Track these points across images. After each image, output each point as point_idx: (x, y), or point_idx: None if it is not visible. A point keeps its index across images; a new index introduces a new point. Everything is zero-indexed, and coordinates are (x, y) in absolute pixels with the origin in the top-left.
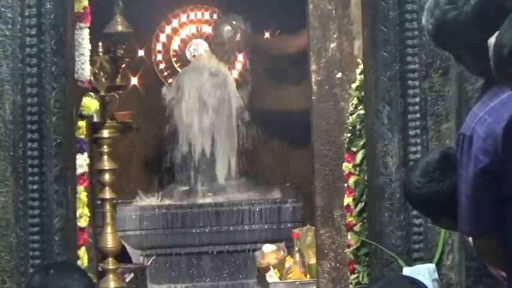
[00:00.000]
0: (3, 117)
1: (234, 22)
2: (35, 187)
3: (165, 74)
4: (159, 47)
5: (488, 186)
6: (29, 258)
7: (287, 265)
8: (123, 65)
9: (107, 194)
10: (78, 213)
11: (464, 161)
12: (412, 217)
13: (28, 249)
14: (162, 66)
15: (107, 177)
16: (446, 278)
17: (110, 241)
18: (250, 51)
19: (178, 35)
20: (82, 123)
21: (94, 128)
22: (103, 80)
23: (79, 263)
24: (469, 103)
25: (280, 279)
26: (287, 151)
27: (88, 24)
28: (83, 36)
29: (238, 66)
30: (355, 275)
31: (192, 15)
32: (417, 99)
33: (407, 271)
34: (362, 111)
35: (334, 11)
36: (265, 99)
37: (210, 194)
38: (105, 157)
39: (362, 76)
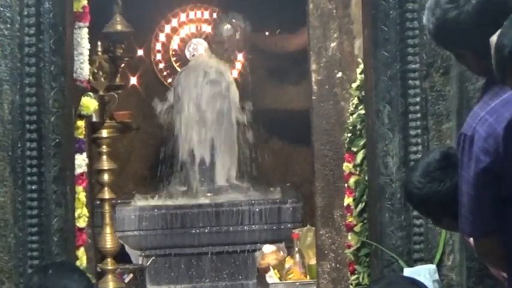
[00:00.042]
0: (1, 117)
1: (233, 21)
2: (33, 187)
3: (165, 73)
4: (158, 46)
5: (489, 186)
6: (27, 258)
7: (287, 266)
8: (123, 65)
9: (106, 194)
10: (77, 213)
11: (465, 161)
12: (412, 217)
13: (27, 250)
14: (161, 65)
15: (106, 177)
16: (447, 278)
17: (108, 241)
18: (250, 50)
19: (178, 34)
20: (81, 123)
21: (93, 128)
22: (102, 79)
23: (78, 263)
24: (470, 103)
25: (280, 280)
26: (287, 151)
27: (87, 24)
28: (82, 36)
29: (238, 65)
30: (356, 276)
31: (191, 15)
32: (418, 99)
33: (407, 272)
34: (362, 111)
35: (334, 10)
36: (265, 98)
37: (209, 194)
38: (104, 157)
39: (362, 76)
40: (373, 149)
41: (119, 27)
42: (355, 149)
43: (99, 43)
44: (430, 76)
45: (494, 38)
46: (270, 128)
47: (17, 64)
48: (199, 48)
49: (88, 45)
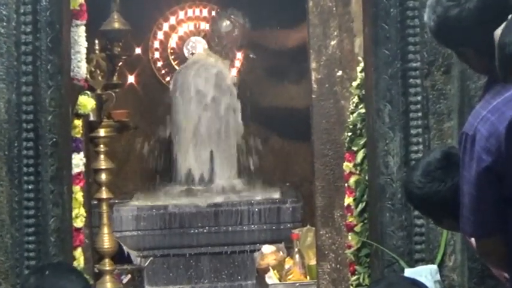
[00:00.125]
0: None
1: (232, 17)
2: (30, 187)
3: (163, 72)
4: (156, 44)
5: (491, 186)
6: (24, 259)
7: (287, 266)
8: (120, 63)
9: (104, 194)
10: (74, 213)
11: (467, 161)
12: (413, 217)
13: (23, 250)
14: (159, 64)
15: (103, 176)
16: (449, 279)
17: (106, 242)
18: (249, 47)
19: (176, 32)
20: (78, 122)
21: (90, 127)
22: (99, 78)
23: (75, 264)
24: (471, 101)
25: (280, 281)
26: (287, 150)
27: (84, 22)
28: (79, 34)
29: (237, 63)
30: (356, 276)
31: (190, 12)
32: (419, 98)
33: (408, 272)
34: (363, 110)
35: (334, 8)
36: (265, 97)
37: (208, 194)
38: (102, 156)
39: (363, 74)
40: (374, 148)
41: (116, 25)
42: (355, 148)
43: (96, 41)
44: (431, 74)
45: (498, 32)
46: (269, 127)
47: (14, 62)
48: (197, 47)
49: (85, 44)
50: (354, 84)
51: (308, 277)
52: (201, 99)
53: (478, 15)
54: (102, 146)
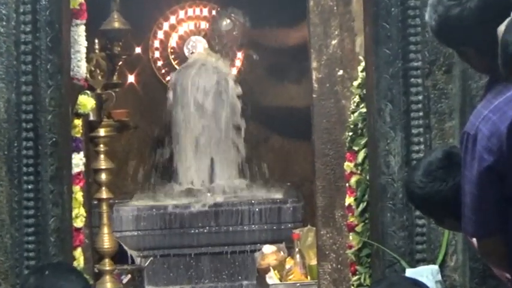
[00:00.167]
0: None
1: (233, 15)
2: (30, 187)
3: (163, 71)
4: (156, 44)
5: (493, 185)
6: (23, 259)
7: (287, 266)
8: (120, 63)
9: (104, 193)
10: (74, 213)
11: (469, 160)
12: (415, 217)
13: (23, 250)
14: (159, 63)
15: (103, 176)
16: (450, 279)
17: (106, 242)
18: (249, 46)
19: (177, 31)
20: (78, 122)
21: (90, 127)
22: (99, 77)
23: (75, 264)
24: (473, 101)
25: (281, 281)
26: (287, 150)
27: (84, 21)
28: (79, 33)
29: (238, 62)
30: (357, 277)
31: (190, 12)
32: (420, 97)
33: (410, 272)
34: (364, 110)
35: (335, 8)
36: (265, 96)
37: (209, 194)
38: (102, 156)
39: (364, 74)
40: (375, 148)
41: (116, 24)
42: (356, 148)
43: (96, 41)
44: (432, 74)
45: (501, 28)
46: (270, 127)
47: (13, 62)
48: (198, 46)
49: (85, 43)
50: (355, 83)
51: (309, 277)
52: (200, 99)
53: (480, 14)
54: (102, 145)
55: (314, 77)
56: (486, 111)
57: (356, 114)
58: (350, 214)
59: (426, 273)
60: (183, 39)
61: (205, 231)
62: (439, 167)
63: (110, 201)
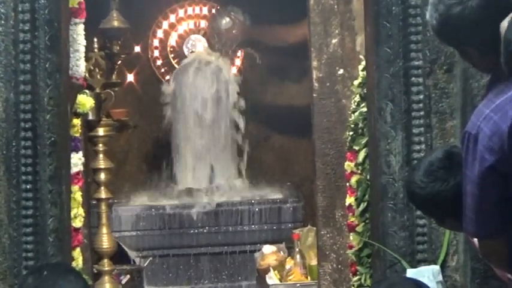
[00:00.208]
0: None
1: (232, 14)
2: (28, 187)
3: (162, 70)
4: (156, 43)
5: (494, 185)
6: (22, 259)
7: (287, 267)
8: (119, 62)
9: (103, 193)
10: (72, 213)
11: (470, 160)
12: (415, 217)
13: (21, 251)
14: (159, 62)
15: (102, 176)
16: (451, 279)
17: (105, 242)
18: (249, 45)
19: (176, 30)
20: (77, 121)
21: (89, 126)
22: (98, 76)
23: (74, 264)
24: (474, 100)
25: (281, 281)
26: (287, 149)
27: (83, 20)
28: (78, 32)
29: (238, 61)
30: (357, 277)
31: (190, 10)
32: (421, 97)
33: (411, 273)
34: (364, 109)
35: (335, 6)
36: (265, 95)
37: (208, 194)
38: (101, 156)
39: (364, 73)
40: (376, 148)
41: (115, 23)
42: (357, 148)
43: (95, 40)
44: (433, 73)
45: (504, 24)
46: (270, 126)
47: (12, 61)
48: (197, 45)
49: (84, 42)
50: (356, 82)
51: (309, 278)
52: (200, 98)
53: (481, 13)
54: (101, 145)
55: (314, 76)
56: (487, 111)
57: (357, 113)
58: (350, 214)
59: (427, 273)
60: (182, 38)
61: (204, 231)
62: (439, 166)
63: (109, 201)
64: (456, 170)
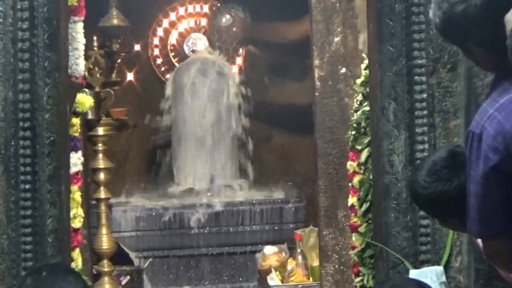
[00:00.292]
0: None
1: (232, 11)
2: (27, 187)
3: (163, 69)
4: (156, 41)
5: (498, 185)
6: (20, 260)
7: (289, 267)
8: (119, 60)
9: (102, 193)
10: (72, 213)
11: (474, 160)
12: (419, 218)
13: (20, 251)
14: (159, 61)
15: (102, 176)
16: (455, 280)
17: (105, 242)
18: (250, 42)
19: (176, 28)
20: (76, 121)
21: (88, 126)
22: (98, 75)
23: (73, 265)
24: (478, 99)
25: (282, 282)
26: (289, 149)
27: (82, 18)
28: (77, 30)
29: (239, 60)
30: (360, 278)
31: (190, 8)
32: (424, 96)
33: (414, 274)
34: (367, 108)
35: (338, 4)
36: (266, 94)
37: (209, 194)
38: (100, 155)
39: (367, 71)
40: (378, 147)
41: (115, 21)
42: (359, 147)
43: (94, 38)
44: (436, 72)
45: (509, 17)
46: (271, 125)
47: (10, 59)
48: (198, 43)
49: (83, 40)
50: (358, 81)
51: (311, 278)
52: (201, 97)
53: (484, 11)
54: (100, 144)
55: (316, 75)
56: (491, 110)
57: (359, 112)
58: (353, 214)
59: (430, 274)
60: (183, 37)
61: (205, 231)
62: (443, 166)
63: (109, 201)
64: (460, 169)
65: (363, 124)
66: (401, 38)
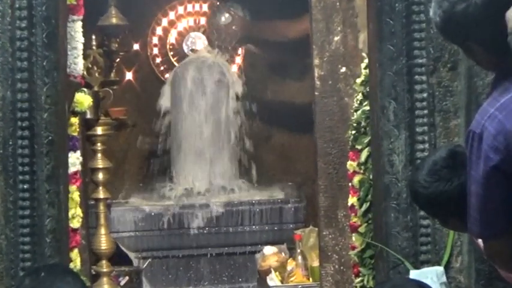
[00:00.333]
0: None
1: (232, 9)
2: (25, 186)
3: (162, 68)
4: (155, 40)
5: (499, 185)
6: (19, 260)
7: (289, 268)
8: (118, 59)
9: (101, 193)
10: (70, 213)
11: (474, 160)
12: (419, 218)
13: (18, 252)
14: (158, 60)
15: (100, 176)
16: (455, 281)
17: (103, 243)
18: (249, 41)
19: (176, 27)
20: (75, 120)
21: (87, 125)
22: (96, 74)
23: (71, 265)
24: (478, 99)
25: (282, 283)
26: (289, 148)
27: (81, 17)
28: (76, 29)
29: (238, 59)
30: (360, 279)
31: (189, 7)
32: (425, 95)
33: (414, 274)
34: (367, 108)
35: (338, 3)
36: (266, 93)
37: (208, 194)
38: (99, 155)
39: (367, 71)
40: (378, 147)
41: (114, 20)
42: (359, 147)
43: (93, 37)
44: (437, 71)
45: (511, 14)
46: (271, 125)
47: (8, 59)
48: (197, 42)
49: (82, 39)
50: (358, 81)
51: (311, 279)
52: (200, 97)
53: (485, 10)
54: (99, 144)
55: (316, 74)
56: (492, 109)
57: (359, 112)
58: (353, 214)
59: (431, 274)
60: (182, 36)
61: (204, 232)
62: (443, 166)
63: (108, 201)
64: (460, 169)
65: (363, 124)
66: (401, 37)
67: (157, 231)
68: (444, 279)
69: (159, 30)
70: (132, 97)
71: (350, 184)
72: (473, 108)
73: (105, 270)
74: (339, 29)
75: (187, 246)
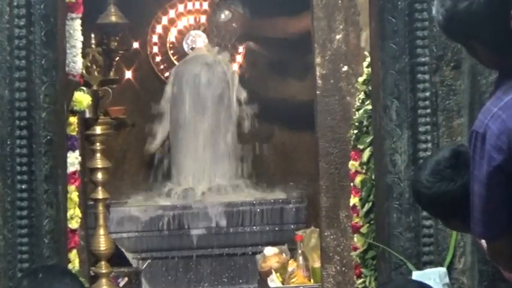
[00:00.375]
0: None
1: (232, 7)
2: (23, 187)
3: (162, 67)
4: (155, 38)
5: (502, 185)
6: (17, 261)
7: (290, 269)
8: (117, 58)
9: (100, 194)
10: (69, 214)
11: (477, 160)
12: (421, 218)
13: (16, 252)
14: (158, 59)
15: (99, 176)
16: (458, 282)
17: (102, 243)
18: (249, 38)
19: (176, 26)
20: (73, 119)
21: (86, 124)
22: (96, 73)
23: (70, 266)
24: (482, 98)
25: (283, 284)
26: (290, 148)
27: (80, 15)
28: (75, 28)
29: (239, 57)
30: (362, 280)
31: (190, 5)
32: (427, 94)
33: (416, 275)
34: (369, 107)
35: (340, 1)
36: (267, 92)
37: (208, 194)
38: (98, 155)
39: (369, 69)
40: (381, 147)
41: (113, 18)
42: (361, 147)
43: (92, 35)
44: (440, 70)
45: None
46: (272, 124)
47: (7, 57)
48: (197, 41)
49: (81, 38)
50: (360, 79)
51: (312, 280)
52: (200, 95)
53: (488, 8)
54: (98, 144)
55: (318, 73)
56: (495, 109)
57: (361, 111)
58: (355, 215)
59: (433, 276)
60: (182, 34)
61: (204, 232)
62: (446, 166)
63: (107, 201)
64: (463, 169)
65: (365, 123)
66: (404, 36)
67: (156, 232)
68: (447, 280)
69: (159, 29)
70: (131, 96)
71: (352, 184)
72: (476, 107)
73: (104, 271)
74: (341, 27)
75: (187, 247)
